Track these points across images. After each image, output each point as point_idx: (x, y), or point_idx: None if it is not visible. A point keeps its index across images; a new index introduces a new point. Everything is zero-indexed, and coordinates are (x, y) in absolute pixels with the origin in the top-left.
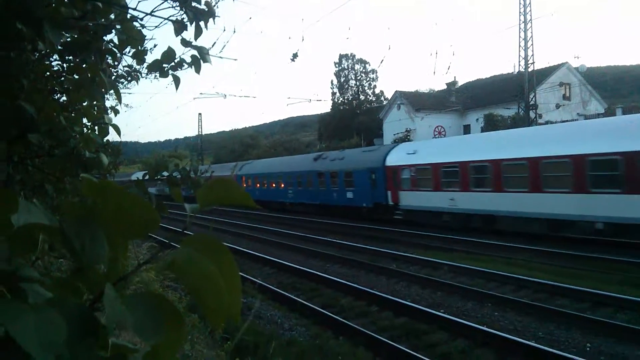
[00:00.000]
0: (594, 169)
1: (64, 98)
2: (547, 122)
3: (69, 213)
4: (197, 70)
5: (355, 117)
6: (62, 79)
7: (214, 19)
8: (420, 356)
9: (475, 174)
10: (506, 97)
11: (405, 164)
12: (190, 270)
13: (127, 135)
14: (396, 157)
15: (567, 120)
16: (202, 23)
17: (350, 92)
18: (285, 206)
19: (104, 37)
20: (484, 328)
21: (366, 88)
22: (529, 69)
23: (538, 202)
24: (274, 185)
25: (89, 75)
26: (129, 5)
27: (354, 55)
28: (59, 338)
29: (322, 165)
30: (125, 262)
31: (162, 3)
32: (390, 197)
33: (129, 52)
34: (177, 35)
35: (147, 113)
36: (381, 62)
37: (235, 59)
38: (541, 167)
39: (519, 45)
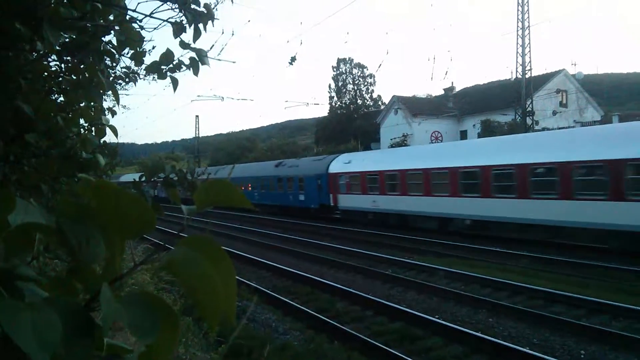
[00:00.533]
0: (464, 178)
1: (62, 98)
2: (543, 129)
3: (65, 212)
4: (195, 73)
5: (353, 121)
6: (60, 79)
7: (212, 21)
8: None
9: (390, 180)
10: (503, 104)
11: (342, 172)
12: (187, 270)
13: (124, 137)
14: (336, 166)
15: (564, 127)
16: (201, 25)
17: (348, 96)
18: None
19: (103, 38)
20: (479, 334)
21: (364, 92)
22: (526, 76)
23: (430, 204)
24: (242, 188)
25: (87, 76)
26: (128, 7)
27: (352, 60)
28: (55, 337)
29: (282, 171)
30: (120, 262)
31: (162, 5)
32: (332, 200)
33: (128, 53)
34: (175, 37)
35: (145, 114)
36: (379, 67)
37: (234, 62)
38: (431, 176)
39: (517, 52)
